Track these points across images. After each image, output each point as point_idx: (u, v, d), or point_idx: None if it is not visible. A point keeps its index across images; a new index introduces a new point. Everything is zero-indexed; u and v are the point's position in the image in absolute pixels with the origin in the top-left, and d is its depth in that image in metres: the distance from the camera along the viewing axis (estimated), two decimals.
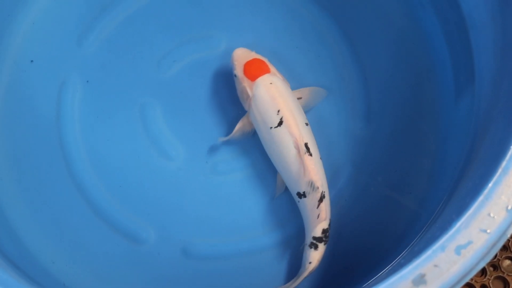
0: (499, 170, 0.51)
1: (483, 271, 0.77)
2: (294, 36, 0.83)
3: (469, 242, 0.49)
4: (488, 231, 0.50)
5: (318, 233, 0.70)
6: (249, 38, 0.83)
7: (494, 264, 0.77)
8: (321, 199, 0.70)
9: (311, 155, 0.70)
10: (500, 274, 0.76)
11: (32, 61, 0.82)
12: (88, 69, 0.82)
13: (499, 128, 0.56)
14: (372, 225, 0.76)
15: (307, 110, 0.78)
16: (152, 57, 0.83)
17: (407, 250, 0.63)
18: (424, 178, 0.77)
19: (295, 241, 0.76)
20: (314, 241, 0.70)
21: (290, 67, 0.82)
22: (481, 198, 0.50)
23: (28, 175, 0.78)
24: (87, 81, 0.82)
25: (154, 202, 0.78)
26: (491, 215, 0.50)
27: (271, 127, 0.72)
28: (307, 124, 0.73)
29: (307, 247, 0.70)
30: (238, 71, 0.76)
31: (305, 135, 0.71)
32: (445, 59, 0.78)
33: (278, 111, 0.72)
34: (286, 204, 0.77)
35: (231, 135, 0.76)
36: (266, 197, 0.78)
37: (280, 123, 0.71)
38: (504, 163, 0.51)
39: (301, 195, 0.71)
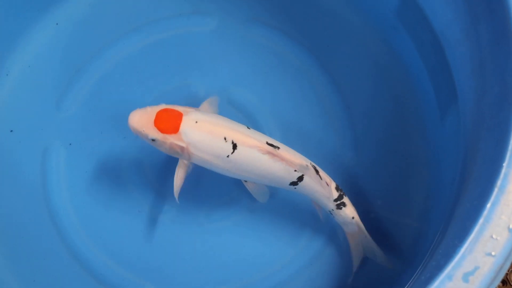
0: (495, 190, 0.50)
1: None
2: (277, 75, 0.84)
3: (476, 268, 0.48)
4: (493, 253, 0.49)
5: (335, 194, 0.70)
6: (227, 81, 0.83)
7: (503, 280, 0.76)
8: (317, 171, 0.69)
9: (278, 148, 0.67)
10: None
11: (11, 130, 0.81)
12: (70, 132, 0.81)
13: (489, 146, 0.56)
14: None
15: None
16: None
17: (412, 280, 0.62)
18: (421, 199, 0.77)
19: (305, 272, 0.76)
20: (338, 202, 0.71)
21: (276, 104, 0.82)
22: (481, 220, 0.49)
23: (19, 248, 0.76)
24: (70, 144, 0.81)
25: (153, 259, 0.76)
26: (494, 237, 0.49)
27: (227, 156, 0.67)
28: (248, 128, 0.69)
29: (336, 212, 0.71)
30: (154, 134, 0.67)
31: (258, 137, 0.68)
32: (425, 80, 0.79)
33: (225, 138, 0.66)
34: (288, 239, 0.77)
35: (176, 189, 0.72)
36: (266, 236, 0.77)
37: (235, 146, 0.66)
38: (499, 182, 0.50)
39: (296, 182, 0.69)
